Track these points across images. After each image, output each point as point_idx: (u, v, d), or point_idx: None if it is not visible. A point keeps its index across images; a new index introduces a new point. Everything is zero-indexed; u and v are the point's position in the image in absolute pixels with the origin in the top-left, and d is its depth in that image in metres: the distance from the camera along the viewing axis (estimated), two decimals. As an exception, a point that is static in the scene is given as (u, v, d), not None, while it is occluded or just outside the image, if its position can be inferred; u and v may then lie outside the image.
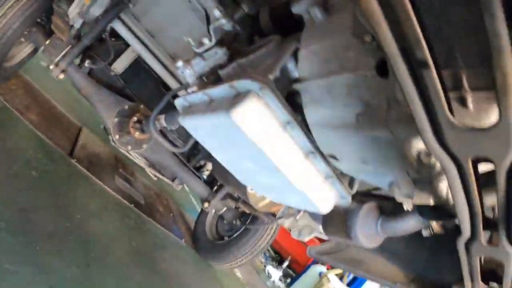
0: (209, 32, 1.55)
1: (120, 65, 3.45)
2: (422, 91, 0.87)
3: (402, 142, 1.12)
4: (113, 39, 3.27)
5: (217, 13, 1.49)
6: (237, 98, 1.39)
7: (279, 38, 1.47)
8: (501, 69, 0.75)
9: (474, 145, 0.92)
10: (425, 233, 1.73)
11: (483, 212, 1.18)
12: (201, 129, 1.62)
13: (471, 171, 1.00)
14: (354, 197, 1.74)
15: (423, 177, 1.20)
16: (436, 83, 0.83)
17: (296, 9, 1.43)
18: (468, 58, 0.94)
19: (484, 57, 0.90)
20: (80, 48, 3.00)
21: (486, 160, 0.98)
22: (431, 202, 1.24)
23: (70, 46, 3.00)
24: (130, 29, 2.89)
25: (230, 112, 1.35)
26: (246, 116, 1.37)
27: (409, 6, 0.73)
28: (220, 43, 1.53)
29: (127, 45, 3.29)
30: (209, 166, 4.05)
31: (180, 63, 1.67)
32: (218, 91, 1.49)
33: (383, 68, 1.09)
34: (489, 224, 1.21)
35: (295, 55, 1.41)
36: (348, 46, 1.17)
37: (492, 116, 0.94)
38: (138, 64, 3.49)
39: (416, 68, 0.83)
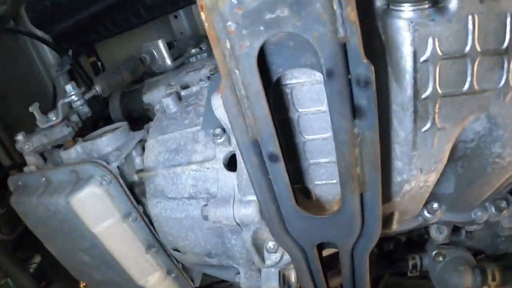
0: (55, 107, 1.44)
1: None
2: (269, 183, 0.89)
3: (249, 233, 1.14)
4: None
5: (69, 88, 1.41)
6: (78, 183, 1.29)
7: (127, 125, 1.42)
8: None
9: (318, 232, 0.97)
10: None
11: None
12: (35, 214, 1.43)
13: (317, 256, 1.04)
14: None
15: (270, 265, 1.21)
16: (285, 175, 0.86)
17: (148, 98, 1.43)
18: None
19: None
20: None
21: (330, 245, 1.04)
22: (279, 288, 1.25)
23: None
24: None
25: (69, 198, 1.25)
26: (86, 204, 1.26)
27: (266, 104, 0.77)
28: (67, 121, 1.43)
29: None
30: (37, 258, 3.58)
31: (20, 137, 1.48)
32: (58, 173, 1.37)
33: (231, 162, 1.12)
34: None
35: (141, 145, 1.38)
36: (196, 138, 1.18)
37: (335, 206, 1.00)
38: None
39: (266, 161, 0.85)
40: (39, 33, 1.87)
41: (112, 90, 1.48)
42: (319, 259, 1.05)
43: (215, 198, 1.14)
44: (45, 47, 1.97)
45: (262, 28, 0.68)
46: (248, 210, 1.07)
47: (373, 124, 0.76)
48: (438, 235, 1.26)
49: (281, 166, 0.85)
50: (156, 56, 1.57)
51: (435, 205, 1.16)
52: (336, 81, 0.72)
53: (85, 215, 1.27)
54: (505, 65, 0.78)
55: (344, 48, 0.69)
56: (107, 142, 1.36)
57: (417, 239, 1.75)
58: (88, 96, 1.40)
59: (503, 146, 0.88)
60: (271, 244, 1.16)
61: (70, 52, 1.92)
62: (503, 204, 1.15)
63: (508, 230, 1.32)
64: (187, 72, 1.45)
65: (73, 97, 1.39)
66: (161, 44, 1.57)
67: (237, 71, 0.74)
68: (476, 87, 0.80)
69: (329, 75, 0.71)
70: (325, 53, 0.69)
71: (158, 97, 1.37)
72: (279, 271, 1.21)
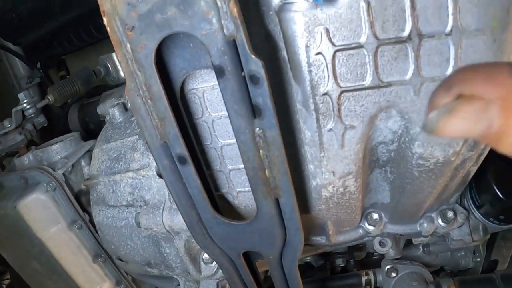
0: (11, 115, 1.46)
1: None
2: (185, 188, 0.85)
3: (181, 241, 1.11)
4: None
5: (21, 96, 1.43)
6: (26, 189, 1.30)
7: (78, 135, 1.42)
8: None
9: (240, 240, 0.92)
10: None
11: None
12: (-12, 218, 1.44)
13: (245, 266, 0.98)
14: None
15: (206, 277, 1.17)
16: (196, 179, 0.82)
17: (101, 109, 1.43)
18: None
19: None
20: None
21: (257, 256, 0.98)
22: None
23: None
24: None
25: (16, 203, 1.27)
26: (32, 209, 1.28)
27: (168, 104, 0.75)
28: (20, 129, 1.44)
29: None
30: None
31: (-25, 141, 1.51)
32: (10, 179, 1.39)
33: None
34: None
35: (90, 155, 1.36)
36: (135, 147, 1.17)
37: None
38: None
39: (177, 164, 0.82)
40: (11, 46, 1.90)
41: (65, 100, 1.48)
42: (248, 269, 1.01)
43: (148, 205, 1.12)
44: (17, 60, 1.99)
45: (155, 29, 0.66)
46: (177, 217, 1.05)
47: (272, 123, 0.72)
48: (381, 248, 1.20)
49: (191, 169, 0.82)
50: (110, 68, 1.57)
51: (375, 216, 1.10)
52: (228, 80, 0.69)
53: (31, 220, 1.28)
54: (410, 54, 0.71)
55: (234, 45, 0.67)
56: (56, 150, 1.37)
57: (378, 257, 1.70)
58: (40, 105, 1.41)
59: (423, 145, 0.81)
60: (207, 254, 1.12)
61: (39, 65, 1.94)
62: (450, 214, 1.09)
63: (459, 243, 1.25)
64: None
65: (25, 104, 1.40)
66: (115, 56, 1.57)
67: (139, 73, 0.72)
68: (380, 80, 0.74)
69: (220, 73, 0.69)
70: (213, 51, 0.67)
71: (108, 107, 1.37)
72: (217, 283, 1.17)
